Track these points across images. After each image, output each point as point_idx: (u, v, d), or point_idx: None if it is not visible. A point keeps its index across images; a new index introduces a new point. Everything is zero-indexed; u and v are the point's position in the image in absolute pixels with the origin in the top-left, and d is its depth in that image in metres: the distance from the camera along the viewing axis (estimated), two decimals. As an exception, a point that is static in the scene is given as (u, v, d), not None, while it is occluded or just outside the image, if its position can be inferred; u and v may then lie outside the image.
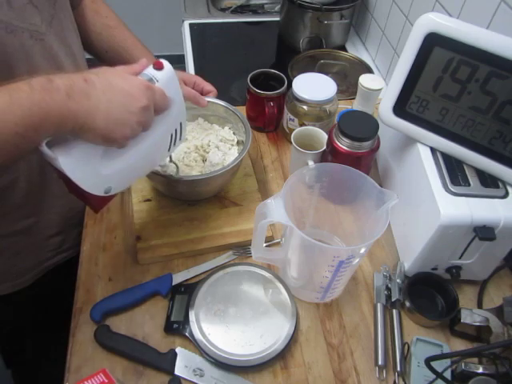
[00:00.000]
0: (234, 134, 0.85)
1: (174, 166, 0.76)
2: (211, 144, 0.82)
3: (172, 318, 0.67)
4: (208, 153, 0.82)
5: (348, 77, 1.21)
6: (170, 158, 0.75)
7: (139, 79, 0.54)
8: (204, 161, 0.81)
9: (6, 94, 0.44)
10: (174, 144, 0.66)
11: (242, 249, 0.77)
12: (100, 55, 0.86)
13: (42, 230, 0.79)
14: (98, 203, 0.62)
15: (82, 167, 0.53)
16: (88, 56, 0.82)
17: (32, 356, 0.97)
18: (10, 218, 0.73)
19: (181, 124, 0.64)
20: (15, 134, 0.45)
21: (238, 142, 0.85)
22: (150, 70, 0.57)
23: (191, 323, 0.66)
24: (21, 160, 0.67)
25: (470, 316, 0.66)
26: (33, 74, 0.52)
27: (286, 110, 0.94)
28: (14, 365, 1.04)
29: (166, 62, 0.57)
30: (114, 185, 0.59)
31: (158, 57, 0.85)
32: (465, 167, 0.69)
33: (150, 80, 0.56)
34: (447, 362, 0.60)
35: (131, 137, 0.53)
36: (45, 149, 0.48)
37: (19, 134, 0.45)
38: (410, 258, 0.73)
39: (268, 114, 0.93)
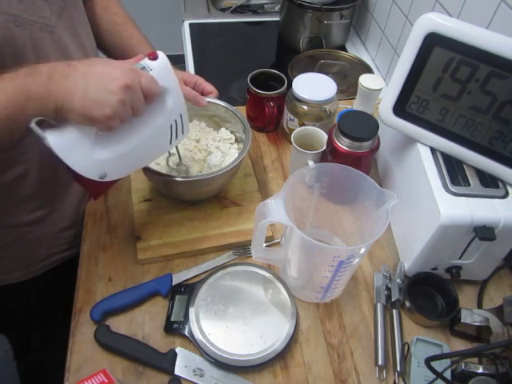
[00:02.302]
0: (231, 132, 0.86)
1: (184, 167, 0.78)
2: (210, 145, 0.83)
3: (172, 318, 0.67)
4: (207, 152, 0.82)
5: (348, 77, 1.21)
6: (180, 158, 0.76)
7: (123, 63, 0.56)
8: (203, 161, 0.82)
9: None
10: (176, 137, 0.65)
11: (242, 249, 0.77)
12: (107, 51, 0.87)
13: (54, 221, 0.80)
14: (94, 188, 0.64)
15: (74, 149, 0.54)
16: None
17: (38, 346, 0.98)
18: (22, 209, 0.74)
19: (181, 116, 0.64)
20: (6, 117, 0.50)
21: (237, 140, 0.85)
22: (144, 60, 0.58)
23: (191, 323, 0.66)
24: (32, 151, 0.69)
25: (470, 316, 0.66)
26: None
27: (285, 110, 0.94)
28: (21, 354, 1.05)
29: (160, 53, 0.58)
30: (110, 171, 0.59)
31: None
32: (465, 167, 0.69)
33: (143, 68, 0.56)
34: (447, 361, 0.60)
35: (115, 116, 0.53)
36: (34, 127, 0.51)
37: (9, 116, 0.50)
38: (409, 258, 0.73)
39: (268, 114, 0.93)
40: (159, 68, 0.57)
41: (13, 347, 1.04)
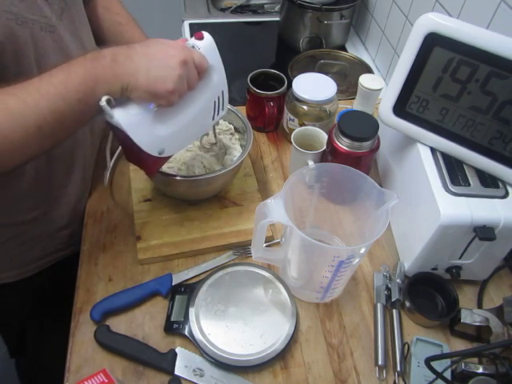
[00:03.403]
0: (229, 123, 0.86)
1: (221, 145, 0.81)
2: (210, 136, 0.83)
3: (172, 318, 0.67)
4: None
5: (348, 77, 1.21)
6: (215, 136, 0.79)
7: (176, 42, 0.59)
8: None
9: (66, 68, 0.53)
10: (218, 113, 0.69)
11: (242, 249, 0.77)
12: None
13: (50, 221, 0.80)
14: (152, 165, 0.67)
15: (138, 125, 0.58)
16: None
17: (33, 345, 0.98)
18: (17, 208, 0.74)
19: (223, 93, 0.67)
20: (78, 101, 0.53)
21: (236, 130, 0.85)
22: (192, 40, 0.61)
23: (191, 323, 0.66)
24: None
25: (470, 316, 0.66)
26: (43, 65, 0.61)
27: (285, 110, 0.94)
28: (17, 354, 1.05)
29: (206, 33, 0.62)
30: (167, 147, 0.63)
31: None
32: (465, 167, 0.69)
33: (193, 47, 0.60)
34: (447, 361, 0.60)
35: (176, 91, 0.57)
36: (104, 105, 0.54)
37: (81, 100, 0.53)
38: (409, 258, 0.73)
39: (268, 114, 0.93)
40: (206, 47, 0.61)
41: (8, 347, 1.04)
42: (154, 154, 0.61)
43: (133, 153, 0.61)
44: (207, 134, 0.80)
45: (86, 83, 0.53)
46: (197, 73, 0.59)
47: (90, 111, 0.55)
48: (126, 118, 0.56)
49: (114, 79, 0.54)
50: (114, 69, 0.54)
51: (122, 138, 0.59)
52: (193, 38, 0.61)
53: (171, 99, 0.57)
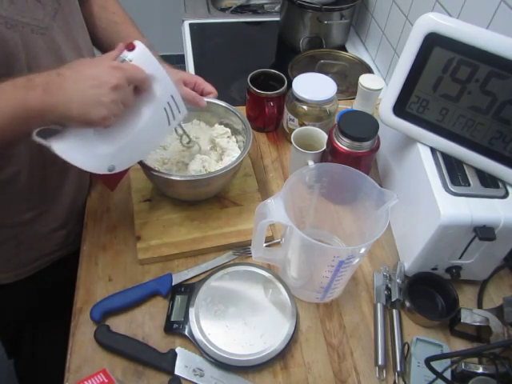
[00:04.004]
0: (225, 126, 0.86)
1: (196, 143, 0.81)
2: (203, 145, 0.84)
3: (172, 318, 0.67)
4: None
5: (348, 77, 1.21)
6: (188, 137, 0.79)
7: (107, 63, 0.58)
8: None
9: None
10: (174, 118, 0.68)
11: (242, 249, 0.77)
12: (105, 51, 0.86)
13: (46, 222, 0.79)
14: (109, 181, 0.67)
15: (78, 150, 0.58)
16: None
17: (31, 346, 0.98)
18: (14, 209, 0.74)
19: (172, 97, 0.66)
20: (9, 129, 0.53)
21: (235, 131, 0.85)
22: (123, 53, 0.60)
23: (191, 323, 0.66)
24: (23, 154, 0.70)
25: (470, 316, 0.66)
26: (34, 67, 0.61)
27: (285, 110, 0.94)
28: (14, 355, 1.05)
29: (138, 42, 0.61)
30: (117, 163, 0.63)
31: (160, 56, 0.85)
32: (465, 167, 0.69)
33: (123, 61, 0.59)
34: (447, 362, 0.60)
35: (110, 115, 0.57)
36: (37, 138, 0.54)
37: (13, 128, 0.53)
38: (409, 258, 0.73)
39: (268, 114, 0.93)
40: (138, 57, 0.60)
41: (5, 347, 1.04)
42: (104, 172, 0.62)
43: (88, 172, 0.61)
44: (182, 135, 0.79)
45: (16, 114, 0.52)
46: (131, 91, 0.59)
47: (21, 137, 0.56)
48: (63, 145, 0.57)
49: (46, 111, 0.53)
50: (45, 100, 0.53)
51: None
52: (125, 50, 0.60)
53: (107, 124, 0.58)
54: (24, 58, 0.61)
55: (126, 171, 0.67)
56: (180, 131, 0.78)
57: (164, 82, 0.64)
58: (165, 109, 0.66)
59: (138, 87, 0.61)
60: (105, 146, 0.61)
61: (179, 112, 0.68)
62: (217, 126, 0.86)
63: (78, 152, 0.58)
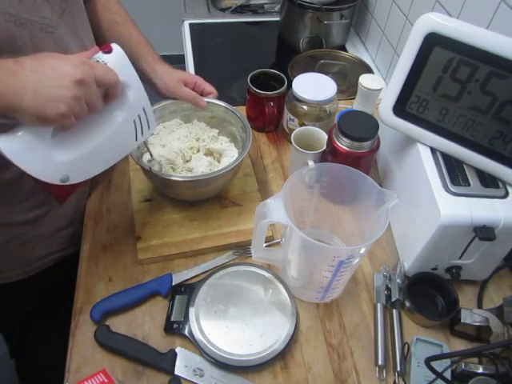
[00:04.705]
0: (229, 140, 0.85)
1: (157, 162, 0.75)
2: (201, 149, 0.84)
3: (172, 318, 0.67)
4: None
5: (348, 77, 1.21)
6: (151, 155, 0.74)
7: (75, 56, 0.53)
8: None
9: None
10: (142, 133, 0.62)
11: (242, 249, 0.77)
12: None
13: (51, 221, 0.79)
14: (58, 192, 0.61)
15: (29, 153, 0.51)
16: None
17: (34, 345, 0.98)
18: (20, 207, 0.74)
19: (144, 110, 0.61)
20: None
21: (236, 140, 0.85)
22: (98, 54, 0.55)
23: (191, 323, 0.66)
24: None
25: (470, 316, 0.66)
26: None
27: (285, 110, 0.94)
28: (17, 353, 1.05)
29: (115, 45, 0.55)
30: (72, 173, 0.56)
31: (161, 56, 0.85)
32: (465, 167, 0.69)
33: (97, 62, 0.54)
34: (447, 362, 0.60)
35: (70, 114, 0.51)
36: None
37: None
38: (409, 258, 0.73)
39: (268, 114, 0.93)
40: (114, 61, 0.55)
41: (8, 346, 1.04)
42: (55, 182, 0.55)
43: (36, 178, 0.53)
44: (144, 153, 0.75)
45: None
46: (99, 92, 0.53)
47: None
48: (11, 144, 0.50)
49: None
50: None
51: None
52: (100, 51, 0.55)
53: (65, 122, 0.51)
54: None
55: (78, 185, 0.59)
56: (144, 148, 0.73)
57: (137, 92, 0.58)
58: (134, 121, 0.60)
59: (108, 92, 0.55)
60: (62, 153, 0.54)
61: (148, 128, 0.63)
62: (203, 128, 0.86)
63: (28, 155, 0.51)
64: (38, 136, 0.52)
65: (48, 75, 0.49)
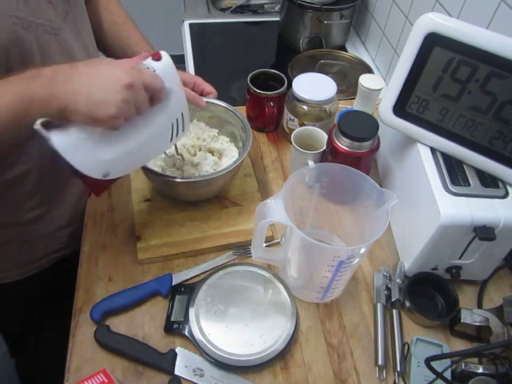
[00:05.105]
0: (229, 140, 0.86)
1: (180, 157, 0.78)
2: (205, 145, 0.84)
3: (172, 318, 0.67)
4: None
5: (348, 77, 1.21)
6: (176, 150, 0.77)
7: (126, 61, 0.56)
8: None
9: (1, 85, 0.50)
10: (177, 135, 0.66)
11: (242, 249, 0.77)
12: (107, 51, 0.87)
13: (51, 221, 0.80)
14: (97, 187, 0.65)
15: (78, 149, 0.55)
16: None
17: (33, 345, 0.98)
18: (21, 207, 0.74)
19: (182, 114, 0.65)
20: (10, 121, 0.51)
21: (236, 140, 0.85)
22: (148, 61, 0.58)
23: (191, 323, 0.66)
24: (33, 153, 0.69)
25: (470, 316, 0.66)
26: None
27: (285, 110, 0.94)
28: (16, 353, 1.05)
29: (164, 53, 0.59)
30: (113, 170, 0.60)
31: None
32: (465, 167, 0.69)
33: (147, 68, 0.57)
34: (447, 362, 0.60)
35: (120, 116, 0.53)
36: (39, 128, 0.51)
37: (13, 119, 0.51)
38: (409, 258, 0.73)
39: (268, 114, 0.93)
40: (163, 68, 0.58)
41: (8, 346, 1.04)
42: (98, 176, 0.59)
43: (77, 172, 0.57)
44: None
45: (19, 103, 0.50)
46: (147, 96, 0.56)
47: (24, 132, 0.53)
48: (63, 141, 0.53)
49: (50, 100, 0.51)
50: (52, 89, 0.51)
51: (64, 159, 0.56)
52: (149, 58, 0.58)
53: (115, 124, 0.54)
54: (38, 59, 0.62)
55: (115, 180, 0.64)
56: (173, 149, 0.77)
57: (179, 98, 0.62)
58: (172, 125, 0.64)
59: (153, 97, 0.58)
60: (106, 150, 0.58)
61: (183, 131, 0.67)
62: (203, 128, 0.86)
63: (77, 151, 0.55)
64: (87, 134, 0.55)
65: (100, 80, 0.52)
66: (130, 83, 0.53)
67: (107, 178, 0.60)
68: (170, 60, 0.59)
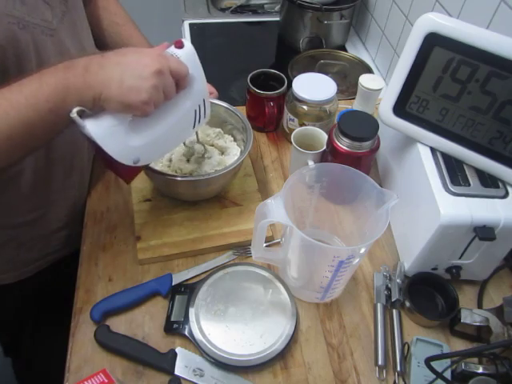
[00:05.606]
0: (232, 139, 0.86)
1: (201, 146, 0.80)
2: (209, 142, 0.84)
3: (172, 318, 0.67)
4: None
5: (348, 77, 1.21)
6: (198, 138, 0.79)
7: (152, 50, 0.58)
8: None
9: (37, 78, 0.52)
10: (199, 121, 0.68)
11: (242, 249, 0.77)
12: (106, 50, 0.86)
13: (47, 223, 0.80)
14: (127, 173, 0.67)
15: (111, 136, 0.57)
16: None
17: (31, 346, 0.98)
18: (17, 210, 0.74)
19: (204, 101, 0.66)
20: (49, 112, 0.52)
21: (236, 140, 0.85)
22: (171, 49, 0.60)
23: (191, 323, 0.66)
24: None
25: (470, 316, 0.66)
26: (43, 68, 0.58)
27: (285, 110, 0.94)
28: (13, 353, 1.05)
29: (186, 41, 0.61)
30: (143, 156, 0.63)
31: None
32: (465, 167, 0.69)
33: (171, 56, 0.59)
34: (447, 362, 0.60)
35: (151, 101, 0.55)
36: (75, 116, 0.53)
37: (52, 110, 0.52)
38: (409, 258, 0.73)
39: (268, 114, 0.93)
40: (185, 56, 0.60)
41: (3, 347, 1.04)
42: (129, 163, 0.61)
43: (108, 161, 0.60)
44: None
45: (56, 93, 0.52)
46: (174, 82, 0.58)
47: (61, 122, 0.55)
48: (98, 129, 0.55)
49: (85, 89, 0.53)
50: (86, 78, 0.52)
51: (96, 147, 0.58)
52: (172, 46, 0.60)
53: (146, 110, 0.56)
54: (34, 59, 0.62)
55: (143, 167, 0.67)
56: (194, 136, 0.79)
57: (201, 85, 0.64)
58: (195, 111, 0.66)
59: (178, 83, 0.59)
60: (137, 137, 0.60)
61: (204, 117, 0.68)
62: (207, 129, 0.86)
63: (111, 138, 0.57)
64: (119, 121, 0.57)
65: (131, 67, 0.54)
66: (158, 69, 0.54)
67: (137, 164, 0.62)
68: (192, 47, 0.61)
